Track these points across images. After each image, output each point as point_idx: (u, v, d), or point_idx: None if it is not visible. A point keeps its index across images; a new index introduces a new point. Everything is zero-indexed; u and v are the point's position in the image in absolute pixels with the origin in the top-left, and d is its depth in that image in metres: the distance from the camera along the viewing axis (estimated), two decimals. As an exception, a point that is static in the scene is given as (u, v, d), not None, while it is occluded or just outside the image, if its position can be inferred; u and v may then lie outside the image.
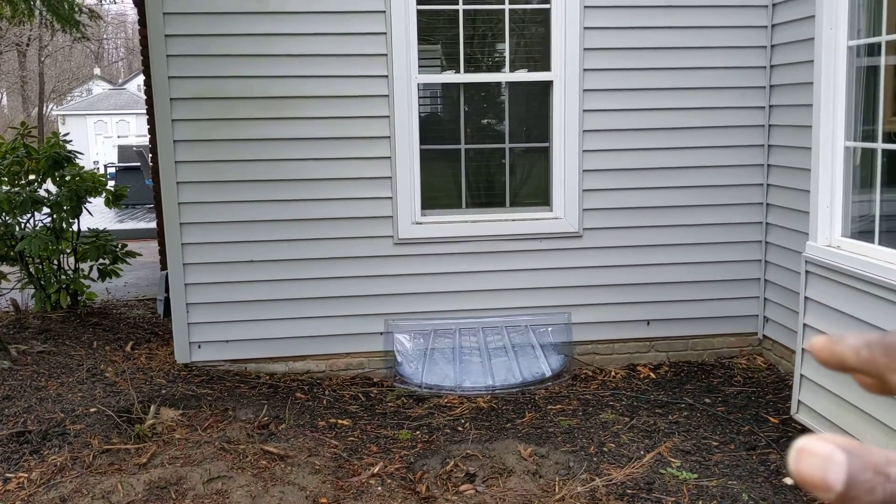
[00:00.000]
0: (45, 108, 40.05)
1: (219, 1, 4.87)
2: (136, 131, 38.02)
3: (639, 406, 4.66)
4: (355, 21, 4.95)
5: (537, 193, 5.35)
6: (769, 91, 5.19)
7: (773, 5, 5.09)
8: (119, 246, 6.29)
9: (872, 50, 3.55)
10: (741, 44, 5.16)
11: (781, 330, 5.20)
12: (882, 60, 3.50)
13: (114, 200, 6.60)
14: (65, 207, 5.94)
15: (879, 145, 3.49)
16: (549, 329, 5.29)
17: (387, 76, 5.01)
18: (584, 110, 5.14)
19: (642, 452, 3.92)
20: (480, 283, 5.28)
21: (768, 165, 5.27)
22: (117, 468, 3.67)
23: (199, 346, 5.17)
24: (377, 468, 3.74)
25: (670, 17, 5.09)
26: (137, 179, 13.55)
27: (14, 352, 4.99)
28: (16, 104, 44.36)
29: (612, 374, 5.29)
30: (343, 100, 5.01)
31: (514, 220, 5.26)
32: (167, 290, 5.78)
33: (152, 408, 4.31)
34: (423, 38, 5.07)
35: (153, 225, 12.12)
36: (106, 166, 16.92)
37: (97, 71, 47.14)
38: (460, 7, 5.07)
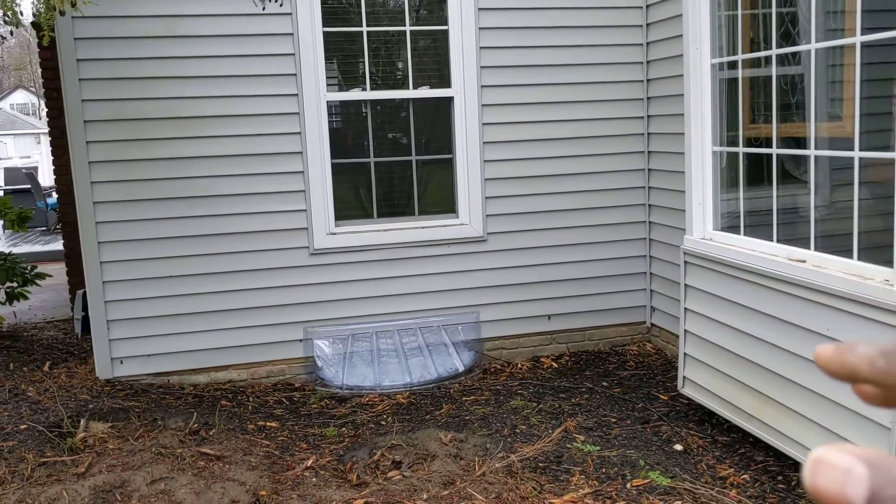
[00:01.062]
0: None
1: (128, 25, 5.02)
2: (14, 152, 36.38)
3: (544, 392, 5.08)
4: (265, 43, 5.20)
5: (444, 202, 5.73)
6: (647, 102, 5.75)
7: (647, 25, 5.65)
8: (29, 268, 6.28)
9: (733, 66, 4.09)
10: (622, 60, 5.70)
11: (666, 318, 5.75)
12: (740, 74, 4.03)
13: (18, 223, 6.57)
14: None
15: (741, 149, 4.03)
16: (460, 328, 5.66)
17: (297, 95, 5.28)
18: (484, 123, 5.56)
19: (550, 431, 4.34)
20: (394, 288, 5.60)
21: (649, 170, 5.82)
22: (56, 479, 3.79)
23: (122, 362, 5.28)
24: (310, 462, 4.01)
25: (558, 38, 5.57)
26: (28, 202, 13.17)
27: (-71, 377, 4.97)
28: None
29: (519, 366, 5.71)
30: (256, 118, 5.25)
31: (423, 228, 5.61)
32: (84, 309, 5.85)
33: (82, 422, 4.42)
34: (330, 57, 5.37)
35: (51, 247, 11.88)
36: (-8, 189, 16.29)
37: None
38: (364, 29, 5.40)
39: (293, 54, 5.24)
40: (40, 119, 48.50)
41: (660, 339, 5.93)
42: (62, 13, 3.48)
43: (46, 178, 18.32)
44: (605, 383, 5.22)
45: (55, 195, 15.96)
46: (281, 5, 4.77)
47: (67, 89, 4.99)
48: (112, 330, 5.23)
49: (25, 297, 6.59)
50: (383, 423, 4.66)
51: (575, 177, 5.75)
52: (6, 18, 3.43)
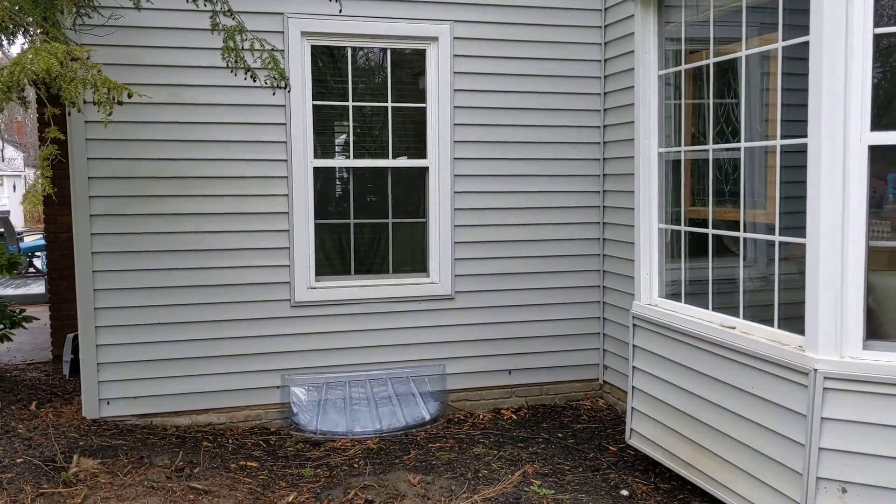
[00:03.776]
0: None
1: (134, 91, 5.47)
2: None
3: (504, 442, 5.52)
4: (259, 113, 5.69)
5: (416, 261, 6.21)
6: (602, 179, 6.34)
7: (604, 110, 6.27)
8: (18, 311, 6.58)
9: (678, 154, 4.68)
10: (581, 140, 6.30)
11: (618, 375, 6.25)
12: (682, 162, 4.62)
13: (8, 268, 6.88)
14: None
15: (683, 227, 4.60)
16: (427, 379, 6.09)
17: (286, 160, 5.77)
18: (455, 192, 6.09)
19: (509, 476, 4.77)
20: (367, 340, 6.04)
21: (603, 239, 6.39)
22: (54, 509, 4.11)
23: (108, 403, 5.60)
24: (290, 498, 4.38)
25: (526, 117, 6.16)
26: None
27: (-76, 412, 5.24)
28: None
29: (481, 416, 6.14)
30: (248, 180, 5.71)
31: (396, 285, 6.08)
32: (74, 351, 6.17)
33: (74, 458, 4.73)
34: (318, 127, 5.87)
35: (24, 291, 12.06)
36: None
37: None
38: (350, 104, 5.94)
39: (284, 124, 5.74)
40: (3, 160, 48.22)
41: (611, 396, 6.42)
42: (120, 103, 3.93)
43: (17, 221, 18.38)
44: (560, 434, 5.67)
45: (26, 239, 16.13)
46: (289, 91, 5.27)
47: (74, 148, 5.41)
48: (101, 372, 5.57)
49: (10, 339, 6.87)
50: (356, 465, 5.05)
51: (538, 243, 6.29)
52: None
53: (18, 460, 4.67)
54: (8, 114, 49.95)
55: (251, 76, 4.60)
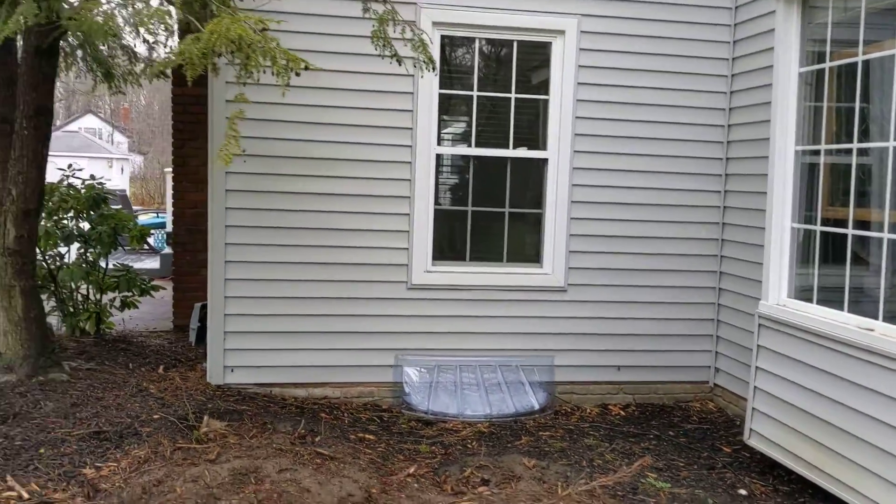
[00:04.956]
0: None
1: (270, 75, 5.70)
2: (88, 175, 38.05)
3: (615, 435, 5.52)
4: (388, 100, 5.85)
5: (529, 252, 6.27)
6: (724, 179, 6.26)
7: (729, 109, 6.19)
8: (148, 280, 6.95)
9: (815, 153, 4.60)
10: (703, 139, 6.24)
11: (730, 379, 6.16)
12: (821, 161, 4.54)
13: (139, 240, 7.27)
14: (106, 242, 6.60)
15: (818, 227, 4.51)
16: (536, 369, 6.15)
17: (411, 146, 5.91)
18: (573, 184, 6.12)
19: (624, 467, 4.78)
20: (478, 327, 6.13)
21: (722, 240, 6.30)
22: (191, 462, 4.33)
23: (232, 370, 5.86)
24: (411, 470, 4.51)
25: (646, 113, 6.14)
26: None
27: (67, 367, 5.59)
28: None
29: (588, 410, 6.16)
30: (374, 164, 5.89)
31: (509, 273, 6.16)
32: (201, 320, 6.47)
33: (205, 418, 4.98)
34: (441, 116, 6.00)
35: (140, 265, 12.64)
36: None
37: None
38: (474, 93, 6.04)
39: (411, 111, 5.88)
40: (112, 144, 50.48)
41: (721, 399, 6.33)
42: (298, 74, 4.12)
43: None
44: (671, 433, 5.64)
45: (140, 217, 16.91)
46: (436, 73, 5.39)
47: (214, 127, 5.67)
48: (227, 340, 5.83)
49: (136, 307, 7.26)
50: (469, 446, 5.15)
51: (653, 240, 6.26)
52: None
53: (155, 416, 4.94)
54: (115, 100, 52.12)
55: (396, 60, 4.74)
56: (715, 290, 6.38)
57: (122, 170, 48.39)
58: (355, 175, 5.87)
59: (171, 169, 11.17)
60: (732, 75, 6.19)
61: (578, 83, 6.05)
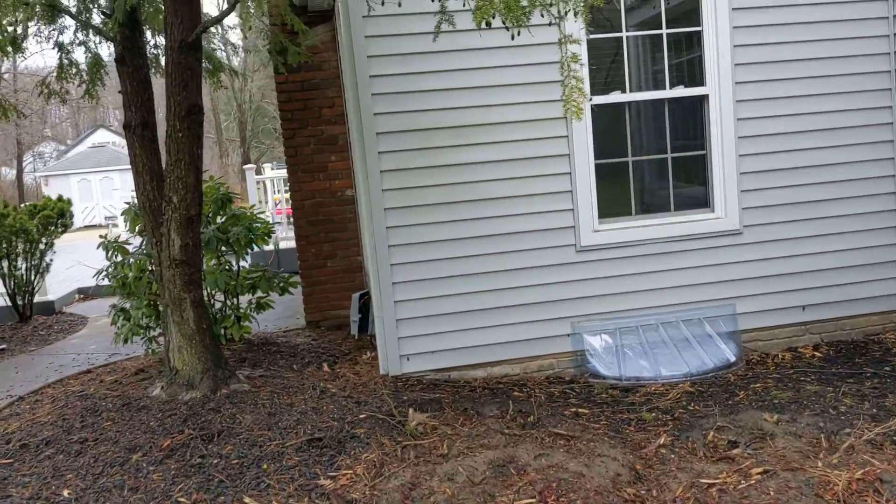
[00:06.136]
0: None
1: (414, 43, 5.35)
2: (121, 185, 38.17)
3: (830, 378, 5.16)
4: (534, 53, 5.46)
5: (697, 197, 5.88)
6: (893, 94, 5.81)
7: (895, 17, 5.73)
8: (287, 277, 6.67)
9: None
10: (868, 52, 5.79)
11: (926, 304, 5.77)
12: None
13: (264, 238, 6.97)
14: (243, 244, 6.32)
15: None
16: (720, 320, 5.79)
17: (563, 99, 5.52)
18: (738, 119, 5.71)
19: (875, 411, 4.42)
20: (652, 283, 5.77)
21: (899, 158, 5.88)
22: (425, 459, 4.06)
23: (408, 359, 5.57)
24: (661, 440, 4.19)
25: (810, 32, 5.69)
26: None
27: (241, 376, 5.34)
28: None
29: (779, 356, 5.80)
30: (529, 124, 5.52)
31: (680, 223, 5.78)
32: (360, 311, 6.19)
33: (410, 412, 4.70)
34: (591, 62, 5.61)
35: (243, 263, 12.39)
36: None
37: (47, 132, 46.92)
38: (623, 34, 5.63)
39: (560, 62, 5.49)
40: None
41: (915, 327, 5.95)
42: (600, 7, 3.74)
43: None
44: (887, 368, 5.27)
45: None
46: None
47: (363, 105, 5.32)
48: (400, 328, 5.53)
49: (272, 307, 6.98)
50: (690, 408, 4.82)
51: (827, 168, 5.85)
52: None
53: (361, 416, 4.67)
54: (121, 111, 51.82)
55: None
56: (894, 213, 5.96)
57: (154, 178, 48.39)
58: (512, 138, 5.51)
59: (251, 166, 10.79)
60: None
61: (733, 8, 5.61)
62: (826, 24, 5.73)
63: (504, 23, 3.93)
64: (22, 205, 9.73)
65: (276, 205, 13.88)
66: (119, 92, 5.28)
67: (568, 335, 5.73)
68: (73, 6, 5.56)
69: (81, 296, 11.27)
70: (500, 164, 5.53)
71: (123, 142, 50.19)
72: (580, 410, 4.84)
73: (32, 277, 9.22)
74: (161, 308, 5.27)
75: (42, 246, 9.19)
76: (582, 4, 4.52)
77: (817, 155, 5.82)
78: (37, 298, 9.60)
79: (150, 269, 6.14)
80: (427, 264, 5.53)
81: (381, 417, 4.62)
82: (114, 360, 7.02)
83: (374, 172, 5.39)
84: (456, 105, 5.44)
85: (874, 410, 4.43)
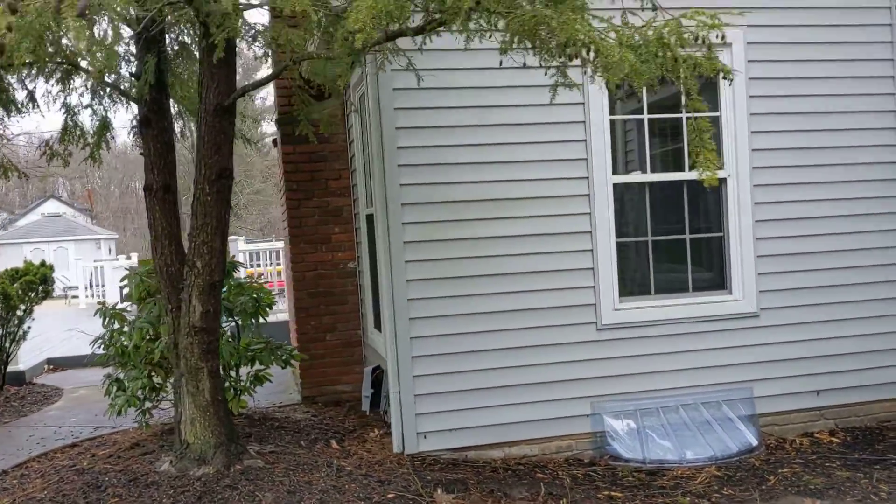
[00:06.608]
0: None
1: (442, 117, 5.36)
2: (75, 255, 37.44)
3: (855, 465, 5.10)
4: (561, 130, 5.52)
5: (714, 278, 5.90)
6: (904, 183, 5.98)
7: (904, 109, 5.94)
8: (291, 349, 6.46)
9: None
10: (876, 143, 5.97)
11: (938, 392, 5.80)
12: None
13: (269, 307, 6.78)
14: (249, 313, 6.13)
15: None
16: (738, 403, 5.73)
17: (587, 177, 5.56)
18: (755, 203, 5.79)
19: (916, 497, 4.36)
20: (670, 364, 5.72)
21: (911, 246, 5.99)
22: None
23: (425, 437, 5.38)
24: (706, 526, 4.05)
25: (820, 121, 5.86)
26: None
27: (252, 452, 5.08)
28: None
29: (797, 441, 5.73)
30: (551, 200, 5.52)
31: (698, 304, 5.77)
32: (373, 386, 5.99)
33: (438, 492, 4.50)
34: (614, 143, 5.67)
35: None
36: (121, 287, 16.62)
37: (-6, 202, 46.07)
38: (645, 117, 5.72)
39: (584, 140, 5.55)
40: (93, 222, 49.51)
41: (928, 415, 5.95)
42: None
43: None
44: (910, 455, 5.23)
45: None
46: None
47: (387, 175, 5.27)
48: (418, 404, 5.36)
49: (269, 380, 6.73)
50: (724, 491, 4.70)
51: (840, 253, 5.93)
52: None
53: (389, 496, 4.46)
54: (71, 183, 50.93)
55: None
56: (906, 299, 6.05)
57: (110, 250, 47.61)
58: (533, 213, 5.50)
59: (233, 237, 10.56)
60: (900, 75, 5.96)
61: (750, 96, 5.76)
62: (836, 115, 5.91)
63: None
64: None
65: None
66: (141, 154, 5.16)
67: (587, 416, 5.60)
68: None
69: (51, 366, 10.80)
70: (523, 238, 5.50)
71: (76, 212, 49.26)
72: (613, 494, 4.69)
73: (8, 345, 8.80)
74: (174, 378, 5.03)
75: (20, 312, 8.81)
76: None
77: (834, 240, 5.91)
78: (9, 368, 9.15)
79: (148, 338, 5.89)
80: (447, 338, 5.41)
81: (410, 497, 4.40)
82: (100, 434, 6.65)
83: (398, 243, 5.30)
84: (482, 179, 5.42)
85: (915, 498, 4.37)
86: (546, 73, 4.13)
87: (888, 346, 6.02)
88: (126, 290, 6.27)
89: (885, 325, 6.04)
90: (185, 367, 4.79)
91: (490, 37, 3.90)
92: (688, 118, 5.62)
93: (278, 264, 13.26)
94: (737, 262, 5.80)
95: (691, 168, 5.69)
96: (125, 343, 6.02)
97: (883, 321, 6.03)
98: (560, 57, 3.40)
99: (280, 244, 12.54)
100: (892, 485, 4.62)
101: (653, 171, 5.77)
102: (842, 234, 5.91)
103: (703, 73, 3.61)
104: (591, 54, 3.23)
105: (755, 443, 5.51)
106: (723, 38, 3.70)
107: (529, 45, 3.55)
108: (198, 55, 4.90)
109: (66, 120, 6.12)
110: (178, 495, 4.42)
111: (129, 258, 22.05)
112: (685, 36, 3.50)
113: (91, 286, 20.94)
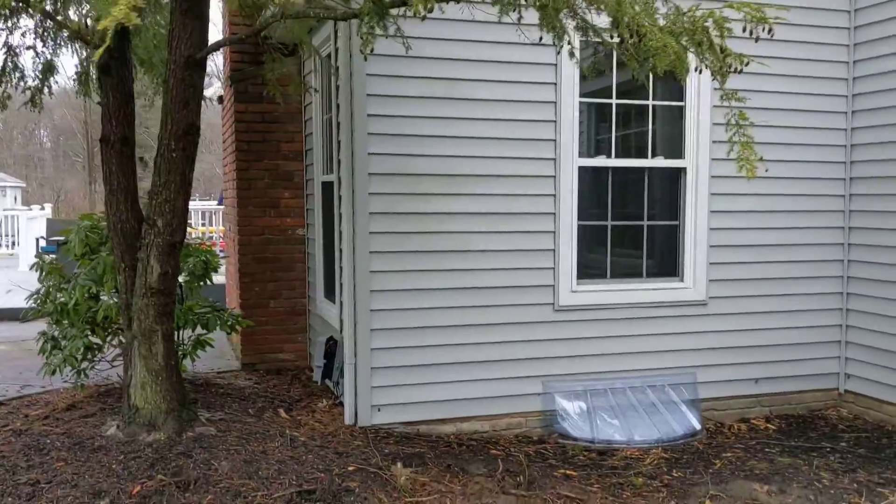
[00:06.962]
0: None
1: (411, 85, 5.26)
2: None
3: (793, 451, 5.32)
4: (530, 109, 5.50)
5: (668, 265, 6.02)
6: (848, 183, 6.20)
7: (851, 129, 6.16)
8: (237, 315, 6.29)
9: None
10: (823, 142, 6.17)
11: (866, 383, 6.09)
12: None
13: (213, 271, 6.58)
14: (198, 275, 5.93)
15: None
16: (683, 388, 5.89)
17: (554, 159, 5.57)
18: (712, 194, 5.91)
19: (855, 485, 4.57)
20: (621, 347, 5.83)
21: (849, 244, 6.23)
22: (431, 519, 3.85)
23: (379, 409, 5.34)
24: (665, 507, 4.16)
25: (773, 117, 5.99)
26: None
27: (203, 419, 4.95)
28: None
29: (736, 427, 5.94)
30: (517, 179, 5.51)
31: (651, 290, 5.88)
32: (325, 356, 5.89)
33: (397, 466, 4.47)
34: (581, 126, 5.69)
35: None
36: (37, 239, 15.84)
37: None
38: (613, 101, 5.76)
39: (554, 121, 5.55)
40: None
41: (855, 405, 6.24)
42: (738, 71, 3.68)
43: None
44: (842, 443, 5.48)
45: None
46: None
47: (357, 143, 5.16)
48: (374, 377, 5.31)
49: (211, 345, 6.55)
50: (674, 474, 4.82)
51: (786, 247, 6.13)
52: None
53: (350, 468, 4.40)
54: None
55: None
56: (841, 295, 6.30)
57: (16, 199, 45.48)
58: (498, 192, 5.48)
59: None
60: (854, 78, 6.16)
61: (715, 88, 5.85)
62: (788, 113, 6.07)
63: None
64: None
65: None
66: (98, 103, 4.89)
67: (538, 394, 5.66)
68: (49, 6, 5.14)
69: (-36, 320, 10.25)
70: (486, 216, 5.48)
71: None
72: (568, 472, 4.75)
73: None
74: (126, 340, 4.82)
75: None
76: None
77: (778, 234, 6.11)
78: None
79: (88, 296, 5.63)
80: (407, 312, 5.36)
81: (371, 471, 4.36)
82: (28, 394, 6.34)
83: (363, 213, 5.21)
84: (448, 153, 5.36)
85: (854, 485, 4.58)
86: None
87: (824, 339, 6.29)
88: (65, 245, 5.96)
89: (824, 319, 6.30)
90: (139, 329, 4.60)
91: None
92: (653, 106, 5.70)
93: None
94: (690, 250, 5.93)
95: (653, 155, 5.81)
96: (63, 300, 5.75)
97: (822, 314, 6.29)
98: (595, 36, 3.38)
99: (219, 205, 12.16)
100: (832, 473, 4.84)
101: (617, 156, 5.82)
102: (792, 229, 6.11)
103: (739, 65, 3.62)
104: (634, 37, 3.20)
105: (698, 427, 5.68)
106: (770, 31, 3.71)
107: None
108: (169, 2, 4.65)
109: (5, 61, 5.75)
110: (128, 461, 4.26)
111: (42, 209, 21.05)
112: (727, 27, 3.54)
113: (-1, 235, 19.89)
